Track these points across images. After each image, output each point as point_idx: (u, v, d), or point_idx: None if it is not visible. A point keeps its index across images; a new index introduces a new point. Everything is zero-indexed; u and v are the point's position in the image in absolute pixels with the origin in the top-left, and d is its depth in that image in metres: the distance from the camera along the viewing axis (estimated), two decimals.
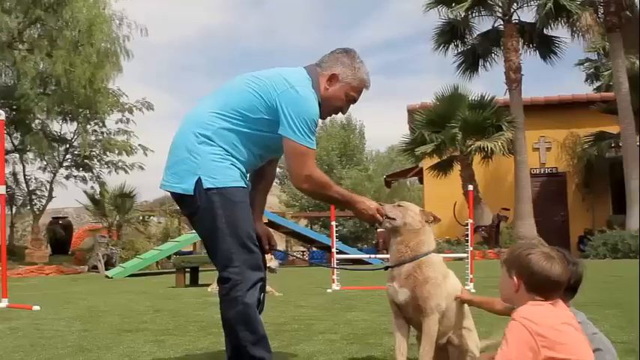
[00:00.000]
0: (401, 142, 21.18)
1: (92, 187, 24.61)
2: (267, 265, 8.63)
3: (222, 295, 3.07)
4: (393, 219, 3.32)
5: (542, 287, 2.47)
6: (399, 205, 3.40)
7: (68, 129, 23.15)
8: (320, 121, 3.36)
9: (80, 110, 21.30)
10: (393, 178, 32.24)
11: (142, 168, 23.97)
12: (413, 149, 19.87)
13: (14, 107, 20.15)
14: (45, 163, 23.13)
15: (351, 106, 3.40)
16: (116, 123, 23.09)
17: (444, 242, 19.02)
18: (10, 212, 26.42)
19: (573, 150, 22.24)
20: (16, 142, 22.29)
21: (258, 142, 3.18)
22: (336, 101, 3.34)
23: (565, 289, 2.87)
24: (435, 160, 20.61)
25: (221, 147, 3.10)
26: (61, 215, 27.44)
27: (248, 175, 3.26)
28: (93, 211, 25.41)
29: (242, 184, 3.13)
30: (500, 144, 18.86)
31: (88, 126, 22.39)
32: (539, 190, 22.06)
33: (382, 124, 37.34)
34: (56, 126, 22.87)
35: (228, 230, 3.04)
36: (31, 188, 24.51)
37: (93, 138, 22.89)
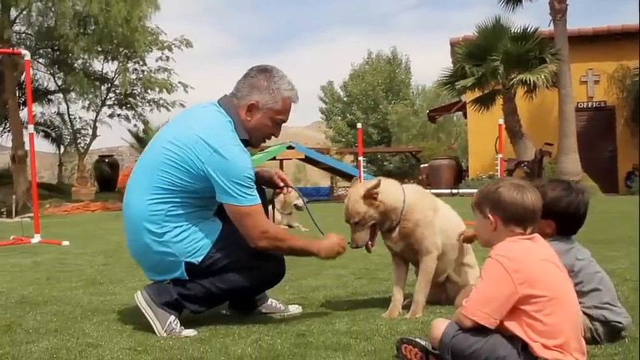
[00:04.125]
0: (441, 75, 20.71)
1: (135, 125, 25.01)
2: (294, 202, 8.80)
3: None
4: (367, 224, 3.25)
5: (517, 217, 2.38)
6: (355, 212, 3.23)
7: (110, 68, 23.43)
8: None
9: (121, 49, 21.45)
10: (437, 113, 31.72)
11: (183, 105, 24.19)
12: (453, 83, 19.45)
13: (55, 48, 20.37)
14: (88, 103, 23.48)
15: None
16: (156, 61, 23.25)
17: (487, 178, 18.75)
18: (58, 151, 27.13)
19: (622, 83, 21.39)
20: (60, 83, 22.67)
21: (202, 197, 3.05)
22: (262, 129, 3.17)
23: (576, 218, 2.84)
24: (477, 94, 20.16)
25: (179, 226, 3.02)
26: (114, 154, 28.10)
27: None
28: (138, 149, 25.90)
29: (216, 236, 3.07)
30: (543, 77, 18.25)
31: (129, 64, 22.56)
32: (585, 124, 21.42)
33: (429, 58, 36.59)
34: (98, 65, 23.17)
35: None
36: (76, 127, 24.98)
37: (134, 76, 23.10)
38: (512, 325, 2.29)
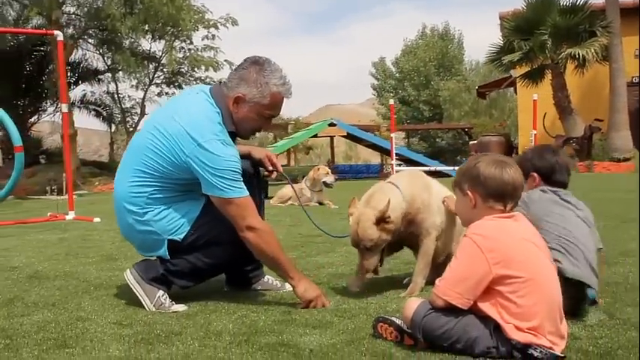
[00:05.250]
0: (489, 50, 20.28)
1: None
2: (323, 180, 8.78)
3: None
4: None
5: (497, 193, 2.32)
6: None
7: (157, 47, 23.73)
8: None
9: (168, 28, 21.68)
10: (487, 89, 31.15)
11: None
12: (501, 58, 19.04)
13: (103, 28, 20.73)
14: (136, 82, 23.87)
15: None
16: (202, 39, 23.41)
17: None
18: (109, 130, 27.73)
19: None
20: (109, 62, 23.11)
21: (185, 184, 3.05)
22: (249, 123, 3.10)
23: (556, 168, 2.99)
24: (526, 69, 19.69)
25: (159, 207, 3.04)
26: None
27: None
28: None
29: (197, 213, 3.07)
30: (593, 51, 17.71)
31: (176, 43, 22.80)
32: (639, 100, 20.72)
33: (482, 33, 35.80)
34: (146, 44, 23.49)
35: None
36: (125, 106, 25.47)
37: (180, 55, 23.34)
38: (485, 306, 2.24)
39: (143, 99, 24.55)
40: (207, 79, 24.10)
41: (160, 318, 2.86)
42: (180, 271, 3.09)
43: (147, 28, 21.29)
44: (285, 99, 3.11)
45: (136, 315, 2.92)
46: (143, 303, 3.04)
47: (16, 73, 21.40)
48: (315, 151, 41.92)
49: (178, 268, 3.08)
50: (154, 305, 3.02)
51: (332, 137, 19.79)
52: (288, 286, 3.35)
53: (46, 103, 25.11)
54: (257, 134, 3.68)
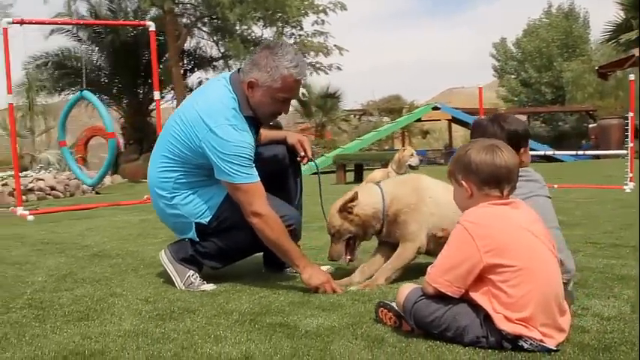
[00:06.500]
0: (604, 29, 19.24)
1: None
2: (407, 162, 8.72)
3: None
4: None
5: (491, 179, 2.25)
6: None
7: (268, 34, 24.18)
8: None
9: (279, 15, 22.06)
10: (608, 70, 29.42)
11: (340, 69, 24.41)
12: (617, 36, 18.00)
13: (214, 17, 21.40)
14: None
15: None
16: (312, 25, 23.62)
17: None
18: None
19: None
20: (222, 50, 23.84)
21: (206, 169, 3.14)
22: (265, 107, 3.14)
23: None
24: None
25: (186, 192, 3.19)
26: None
27: None
28: (301, 112, 26.69)
29: (222, 197, 3.18)
30: None
31: (286, 29, 23.16)
32: None
33: (610, 10, 33.86)
34: (258, 31, 23.99)
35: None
36: None
37: (291, 41, 23.65)
38: (477, 295, 2.20)
39: None
40: (317, 65, 24.36)
41: (185, 296, 3.00)
42: (208, 252, 3.23)
43: (258, 15, 21.74)
44: (299, 80, 3.14)
45: (165, 293, 3.09)
46: (174, 281, 3.21)
47: (135, 63, 22.49)
48: (433, 135, 41.34)
49: (206, 250, 3.22)
50: (183, 284, 3.18)
51: (449, 121, 19.45)
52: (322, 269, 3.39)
53: (165, 90, 26.29)
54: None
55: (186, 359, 2.12)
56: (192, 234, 3.23)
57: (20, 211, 7.27)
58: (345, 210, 3.14)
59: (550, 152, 14.90)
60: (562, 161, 17.82)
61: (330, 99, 26.44)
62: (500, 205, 2.27)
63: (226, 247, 3.21)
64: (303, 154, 3.48)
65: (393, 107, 31.56)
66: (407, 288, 2.39)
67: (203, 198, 3.19)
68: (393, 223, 3.18)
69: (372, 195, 3.19)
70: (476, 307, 2.20)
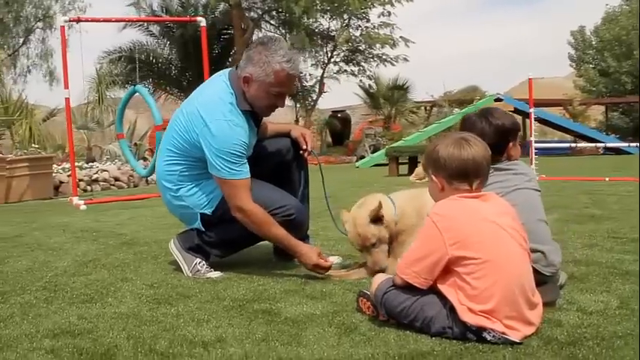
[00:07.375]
0: None
1: (361, 81, 25.76)
2: None
3: None
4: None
5: (458, 173, 2.29)
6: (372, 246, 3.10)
7: (335, 26, 24.34)
8: None
9: (343, 7, 22.14)
10: None
11: (407, 60, 24.36)
12: None
13: (280, 10, 21.68)
14: (315, 60, 24.70)
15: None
16: (378, 17, 23.63)
17: None
18: (294, 108, 29.00)
19: None
20: (288, 43, 24.14)
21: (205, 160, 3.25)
22: (260, 101, 3.23)
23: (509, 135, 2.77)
24: None
25: (190, 184, 3.34)
26: (346, 110, 29.33)
27: None
28: (369, 105, 26.73)
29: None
30: None
31: (352, 21, 23.26)
32: None
33: None
34: (325, 23, 24.17)
35: None
36: (307, 85, 26.44)
37: (357, 33, 23.75)
38: (444, 287, 2.25)
39: (321, 77, 25.35)
40: (384, 56, 24.37)
41: (189, 283, 3.16)
42: (213, 242, 3.38)
43: (325, 8, 21.90)
44: (292, 75, 3.24)
45: (171, 279, 3.25)
46: (182, 268, 3.38)
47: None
48: None
49: (211, 239, 3.38)
50: (190, 271, 3.34)
51: (512, 112, 19.01)
52: (331, 259, 3.41)
53: None
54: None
55: (163, 340, 2.25)
56: (198, 224, 3.39)
57: (76, 200, 7.64)
58: (379, 220, 3.09)
59: (614, 144, 14.39)
60: (630, 154, 17.16)
61: (397, 90, 26.36)
62: (470, 199, 2.31)
63: (229, 236, 3.35)
64: (305, 147, 3.58)
65: (464, 99, 31.16)
66: (380, 277, 2.46)
67: (206, 190, 3.34)
68: (392, 239, 3.17)
69: (387, 206, 3.15)
70: (443, 298, 2.25)
